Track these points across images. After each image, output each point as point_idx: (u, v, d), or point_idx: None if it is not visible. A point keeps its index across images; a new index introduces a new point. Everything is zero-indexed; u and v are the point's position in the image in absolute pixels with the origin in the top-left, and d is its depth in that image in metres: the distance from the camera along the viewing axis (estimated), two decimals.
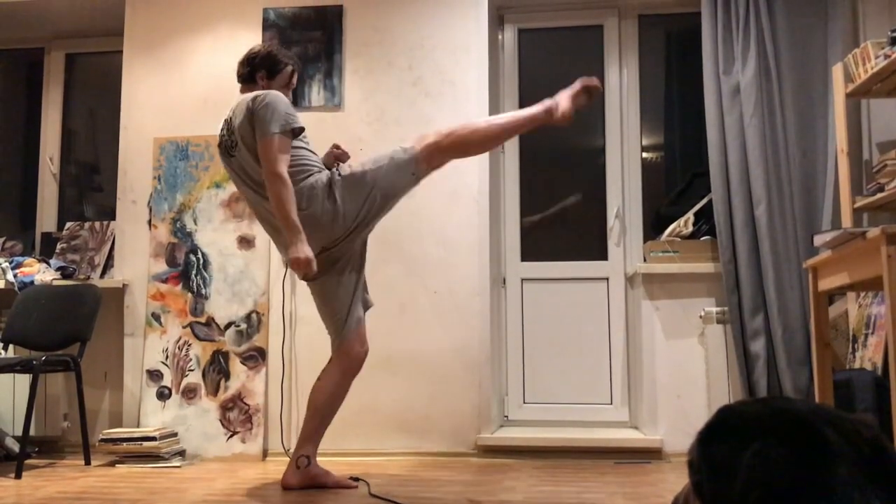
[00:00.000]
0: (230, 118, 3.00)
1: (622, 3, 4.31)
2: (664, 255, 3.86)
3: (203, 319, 4.02)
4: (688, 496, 1.01)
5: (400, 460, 3.80)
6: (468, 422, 3.86)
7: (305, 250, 2.83)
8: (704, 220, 3.93)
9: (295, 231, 2.84)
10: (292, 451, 3.71)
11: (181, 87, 4.24)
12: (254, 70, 3.10)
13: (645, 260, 3.98)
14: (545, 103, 3.18)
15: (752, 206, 3.71)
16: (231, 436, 3.89)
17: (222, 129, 3.04)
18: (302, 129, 2.96)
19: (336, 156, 3.20)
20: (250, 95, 2.96)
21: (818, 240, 2.76)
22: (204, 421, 3.91)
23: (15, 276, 4.13)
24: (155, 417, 3.95)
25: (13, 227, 4.80)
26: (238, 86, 3.17)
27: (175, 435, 3.85)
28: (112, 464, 3.71)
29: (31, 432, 3.58)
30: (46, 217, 4.74)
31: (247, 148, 2.95)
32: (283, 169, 2.85)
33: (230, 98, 4.14)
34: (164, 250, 4.12)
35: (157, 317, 4.06)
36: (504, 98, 4.36)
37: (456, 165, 3.97)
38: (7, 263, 4.20)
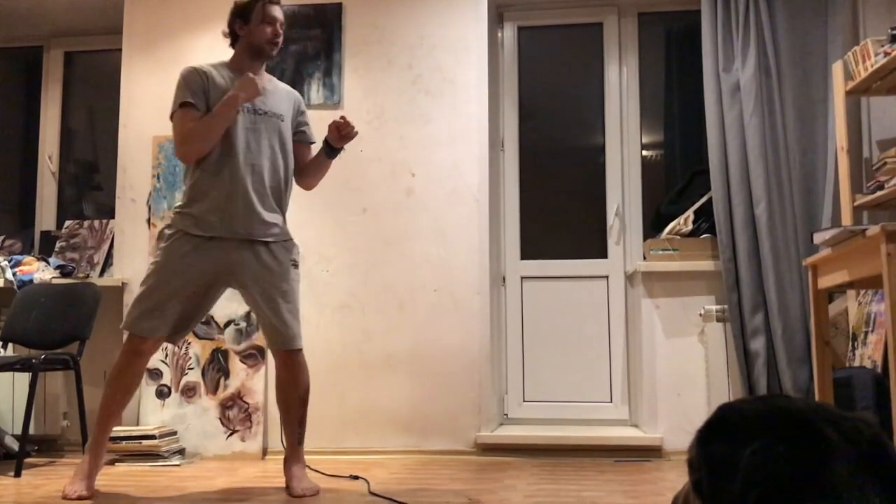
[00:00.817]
0: None
1: (622, 0, 4.31)
2: (664, 253, 3.86)
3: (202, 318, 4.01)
4: (687, 495, 1.01)
5: (400, 459, 3.80)
6: (468, 420, 3.86)
7: (237, 87, 2.88)
8: (704, 218, 3.93)
9: (228, 98, 2.88)
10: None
11: None
12: (232, 25, 3.05)
13: (645, 258, 3.98)
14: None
15: (751, 204, 3.71)
16: (230, 434, 3.89)
17: None
18: (190, 104, 2.90)
19: (337, 126, 3.05)
20: None
21: (818, 238, 2.76)
22: (203, 419, 3.91)
23: (14, 274, 4.12)
24: (154, 416, 3.94)
25: (12, 225, 4.80)
26: None
27: (174, 433, 3.84)
28: (111, 462, 3.70)
29: (31, 431, 3.57)
30: (45, 215, 4.74)
31: None
32: (184, 138, 2.90)
33: None
34: None
35: None
36: (504, 96, 4.35)
37: (455, 163, 3.98)
38: (6, 262, 4.19)
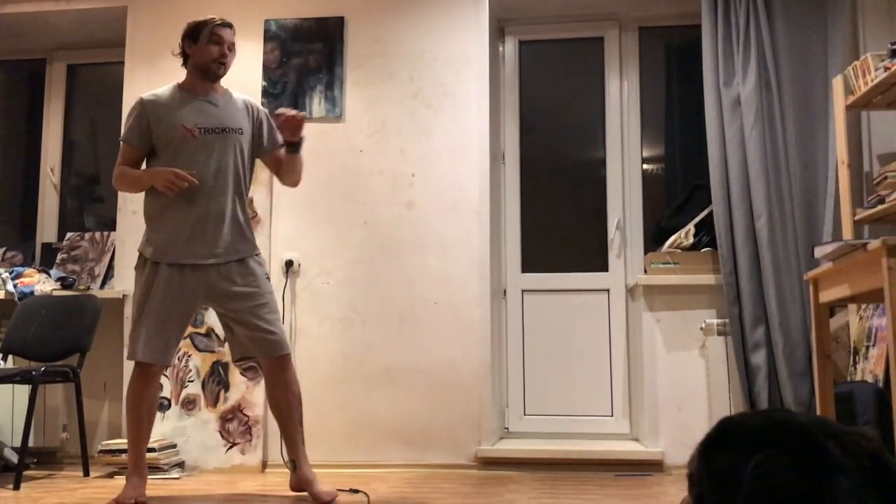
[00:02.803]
0: None
1: (623, 15, 4.33)
2: (665, 266, 3.86)
3: (203, 330, 4.01)
4: None
5: (400, 472, 3.78)
6: (468, 434, 3.85)
7: (160, 175, 2.92)
8: (705, 232, 3.93)
9: (148, 175, 2.99)
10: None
11: None
12: (182, 45, 3.11)
13: (646, 271, 3.98)
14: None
15: (752, 218, 3.71)
16: (230, 447, 3.87)
17: None
18: (127, 144, 3.06)
19: (282, 124, 3.03)
20: None
21: (819, 252, 2.76)
22: (203, 432, 3.90)
23: (15, 286, 4.12)
24: (154, 428, 3.92)
25: (14, 237, 4.81)
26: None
27: (174, 446, 3.83)
28: (111, 475, 3.69)
29: (30, 443, 3.57)
30: (47, 227, 4.74)
31: None
32: (116, 177, 3.09)
33: None
34: None
35: None
36: (504, 110, 4.37)
37: (456, 176, 3.99)
38: (7, 274, 4.20)
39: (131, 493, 2.96)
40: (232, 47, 3.11)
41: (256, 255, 3.10)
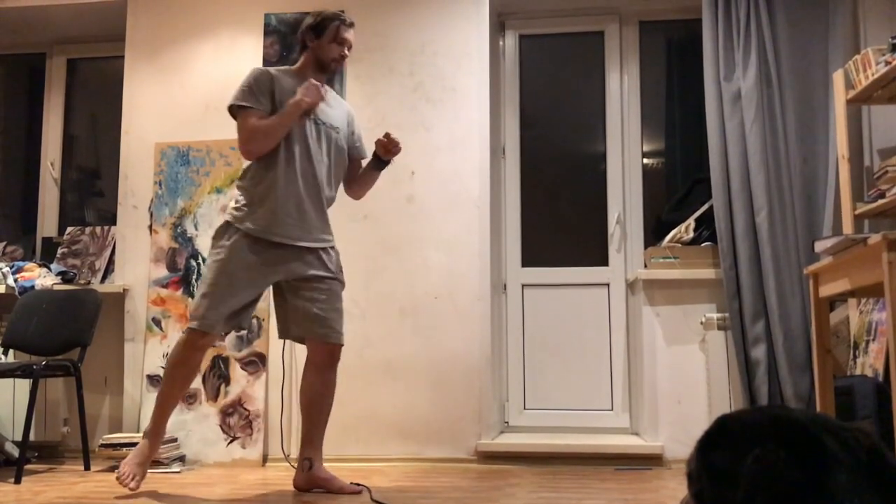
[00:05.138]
0: None
1: (623, 9, 4.32)
2: (665, 260, 3.86)
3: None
4: None
5: (400, 466, 3.79)
6: (468, 428, 3.85)
7: (300, 92, 2.96)
8: (705, 226, 3.93)
9: (293, 103, 2.96)
10: (292, 456, 3.71)
11: (182, 93, 4.25)
12: (304, 35, 3.14)
13: (646, 266, 3.98)
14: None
15: (752, 212, 3.71)
16: (231, 441, 3.88)
17: None
18: (246, 108, 2.98)
19: (382, 144, 3.19)
20: None
21: (819, 246, 2.76)
22: (204, 426, 3.90)
23: (15, 280, 4.13)
24: None
25: (14, 231, 4.81)
26: None
27: (175, 440, 3.84)
28: (112, 469, 3.70)
29: (31, 437, 3.57)
30: (47, 222, 4.75)
31: None
32: (249, 137, 2.97)
33: None
34: (164, 255, 4.12)
35: (157, 322, 4.06)
36: (505, 104, 4.36)
37: (456, 170, 3.99)
38: (8, 268, 4.20)
39: (136, 472, 2.95)
40: (350, 48, 3.18)
41: (333, 247, 3.18)
